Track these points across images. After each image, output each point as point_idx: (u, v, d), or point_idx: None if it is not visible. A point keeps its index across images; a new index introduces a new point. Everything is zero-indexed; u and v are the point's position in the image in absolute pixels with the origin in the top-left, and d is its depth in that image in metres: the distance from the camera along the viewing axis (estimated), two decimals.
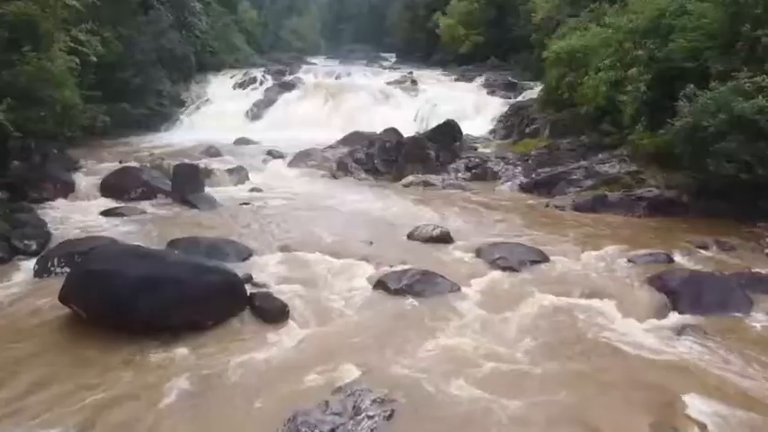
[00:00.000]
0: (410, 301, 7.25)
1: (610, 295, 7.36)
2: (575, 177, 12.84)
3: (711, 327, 6.55)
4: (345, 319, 6.80)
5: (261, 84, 27.21)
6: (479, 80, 26.59)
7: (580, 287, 7.59)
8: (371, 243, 9.37)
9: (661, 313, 6.97)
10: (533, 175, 13.69)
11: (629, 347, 6.01)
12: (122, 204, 11.64)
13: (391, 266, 8.28)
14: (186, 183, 12.42)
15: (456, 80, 27.53)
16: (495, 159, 15.44)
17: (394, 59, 46.35)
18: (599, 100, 14.38)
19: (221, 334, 6.38)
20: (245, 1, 40.42)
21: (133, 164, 14.25)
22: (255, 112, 24.76)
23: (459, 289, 7.55)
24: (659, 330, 6.52)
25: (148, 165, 13.71)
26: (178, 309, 6.19)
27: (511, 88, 24.80)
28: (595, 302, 7.19)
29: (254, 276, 7.88)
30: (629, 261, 8.57)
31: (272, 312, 6.77)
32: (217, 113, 24.80)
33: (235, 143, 19.83)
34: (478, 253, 8.78)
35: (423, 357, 5.85)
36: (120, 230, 9.97)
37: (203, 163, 16.01)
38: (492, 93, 24.50)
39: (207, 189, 12.98)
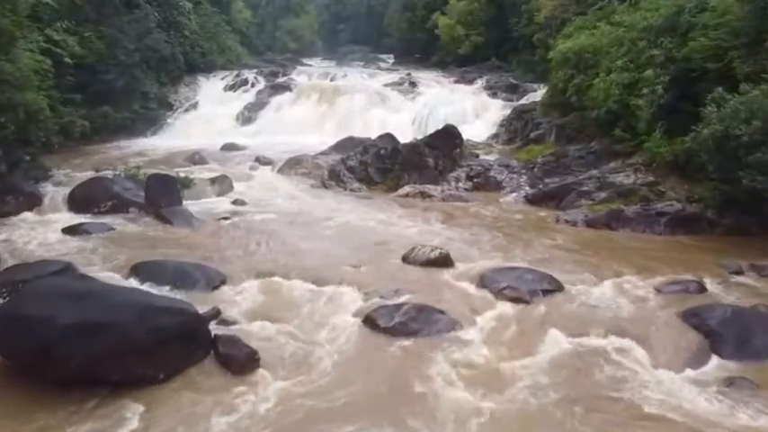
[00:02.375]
0: (404, 342, 6.17)
1: (637, 336, 6.28)
2: (586, 188, 11.75)
3: (765, 378, 5.45)
4: (326, 369, 5.70)
5: (253, 86, 26.07)
6: (480, 82, 25.46)
7: (602, 325, 6.51)
8: (361, 267, 8.28)
9: (700, 359, 5.90)
10: (540, 186, 12.61)
11: (673, 412, 4.93)
12: (89, 220, 10.53)
13: (382, 297, 7.20)
14: (161, 195, 11.31)
15: (456, 82, 26.36)
16: (499, 167, 14.35)
17: (392, 61, 45.23)
18: (610, 103, 13.30)
19: (175, 390, 5.30)
20: (239, 0, 39.30)
21: (107, 173, 13.14)
22: (246, 116, 23.62)
23: (461, 327, 6.48)
24: (703, 384, 5.44)
25: (122, 174, 12.60)
26: (119, 360, 5.10)
27: (513, 90, 23.71)
28: (621, 345, 6.12)
29: (222, 311, 6.81)
30: (656, 291, 7.49)
31: (239, 361, 5.68)
32: (206, 117, 23.69)
33: (222, 149, 18.74)
34: (482, 280, 7.68)
35: (417, 427, 4.75)
36: (81, 251, 8.87)
37: (186, 171, 14.95)
38: (493, 95, 23.38)
39: (186, 201, 11.90)
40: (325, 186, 14.03)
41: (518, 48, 28.60)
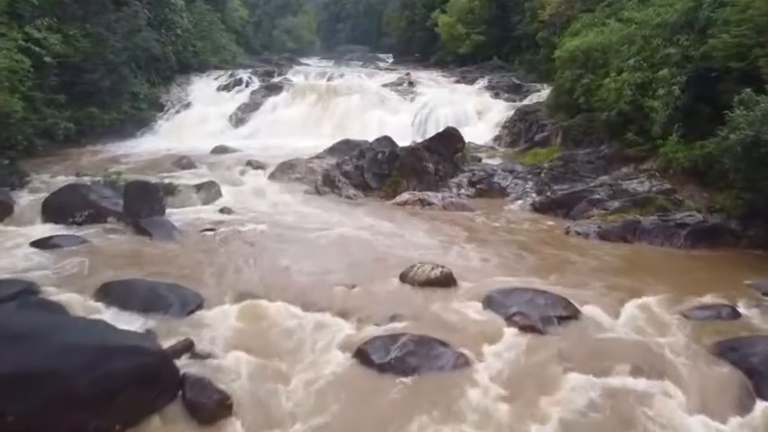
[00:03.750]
0: (401, 382, 5.36)
1: (668, 374, 5.48)
2: (598, 196, 10.95)
3: None
4: (307, 418, 4.88)
5: (247, 86, 25.29)
6: (481, 82, 24.68)
7: (627, 360, 5.69)
8: (354, 287, 7.47)
9: (744, 404, 5.10)
10: (548, 193, 11.81)
11: None
12: (61, 232, 9.72)
13: (377, 324, 6.40)
14: (140, 204, 10.49)
15: (456, 82, 25.60)
16: (503, 172, 13.54)
17: (391, 60, 44.44)
18: (622, 105, 12.50)
19: None
20: None
21: (85, 179, 12.33)
22: (240, 117, 22.83)
23: (466, 363, 5.67)
24: None
25: (101, 181, 11.78)
26: (65, 415, 4.28)
27: (516, 91, 22.93)
28: (651, 386, 5.30)
29: (196, 342, 6.00)
30: (684, 316, 6.68)
31: (209, 408, 4.88)
32: (198, 118, 22.91)
33: (212, 152, 17.95)
34: (489, 303, 6.88)
35: None
36: (48, 268, 8.06)
37: (172, 176, 14.17)
38: (495, 96, 22.60)
39: (169, 210, 11.13)
40: (318, 193, 13.24)
41: (520, 47, 27.79)
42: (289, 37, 53.36)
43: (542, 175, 13.24)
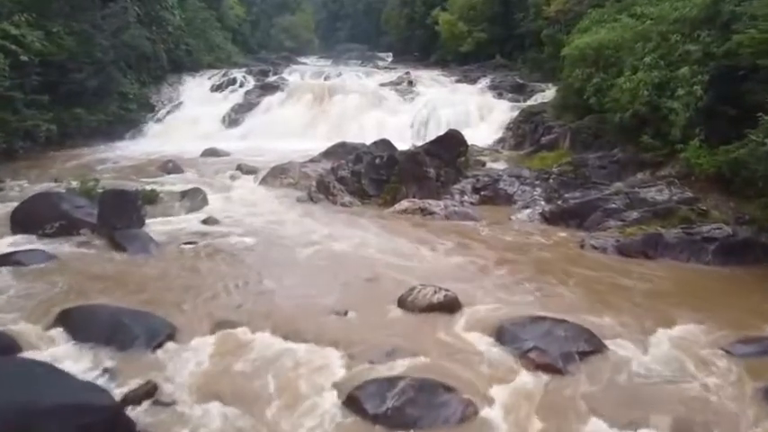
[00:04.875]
0: None
1: (716, 426, 4.61)
2: (614, 206, 10.08)
3: None
4: None
5: (241, 86, 24.48)
6: (483, 81, 23.83)
7: (663, 408, 4.85)
8: (346, 313, 6.62)
9: None
10: (559, 201, 10.93)
11: None
12: (29, 246, 8.85)
13: (372, 362, 5.55)
14: (116, 215, 9.62)
15: (457, 81, 24.74)
16: (509, 178, 12.66)
17: (390, 59, 43.58)
18: (637, 106, 11.64)
19: None
20: None
21: (60, 187, 11.47)
22: (233, 118, 21.99)
23: (474, 413, 4.81)
24: None
25: (76, 188, 10.92)
26: None
27: (520, 90, 22.11)
28: None
29: (160, 384, 5.16)
30: (725, 351, 5.82)
31: None
32: (190, 119, 22.08)
33: (202, 155, 17.10)
34: (501, 335, 6.02)
35: None
36: (5, 292, 7.18)
37: (156, 182, 13.35)
38: (498, 96, 21.78)
39: (150, 220, 10.29)
40: (312, 200, 12.36)
41: (524, 45, 26.97)
42: (287, 36, 52.51)
43: (551, 180, 12.39)
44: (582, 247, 9.13)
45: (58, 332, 6.15)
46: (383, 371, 5.36)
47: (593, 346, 5.80)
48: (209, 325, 6.36)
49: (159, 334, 6.07)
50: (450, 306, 6.64)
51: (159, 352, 5.80)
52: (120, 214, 9.70)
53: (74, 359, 5.67)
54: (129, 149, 18.69)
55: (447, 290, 6.80)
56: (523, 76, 24.23)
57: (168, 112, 22.43)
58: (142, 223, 10.02)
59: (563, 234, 9.93)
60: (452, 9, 32.12)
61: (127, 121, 20.75)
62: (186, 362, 5.64)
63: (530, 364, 5.49)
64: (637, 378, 5.38)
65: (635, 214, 9.59)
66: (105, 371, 5.44)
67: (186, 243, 9.25)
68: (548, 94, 20.53)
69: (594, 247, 8.97)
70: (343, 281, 7.64)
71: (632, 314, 6.66)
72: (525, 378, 5.33)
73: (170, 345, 5.95)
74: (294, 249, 8.91)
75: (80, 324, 6.23)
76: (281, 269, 8.07)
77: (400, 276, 7.64)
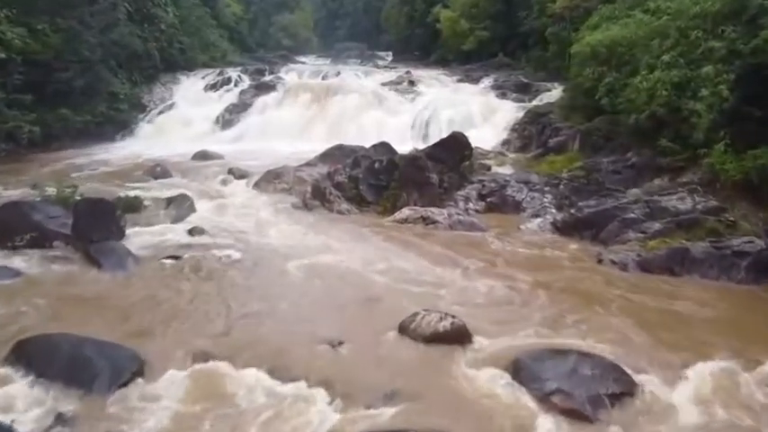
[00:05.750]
0: None
1: None
2: (632, 215, 9.30)
3: None
4: None
5: (236, 85, 23.65)
6: (486, 81, 23.00)
7: None
8: (341, 344, 5.85)
9: None
10: (572, 210, 10.16)
11: None
12: None
13: (368, 408, 4.79)
14: (93, 226, 8.85)
15: (459, 81, 23.90)
16: (517, 184, 11.89)
17: (390, 59, 42.78)
18: (655, 107, 10.86)
19: None
20: None
21: (37, 194, 10.68)
22: (227, 119, 21.17)
23: None
24: None
25: (52, 196, 10.13)
26: None
27: (524, 90, 21.28)
28: None
29: None
30: None
31: None
32: (183, 120, 21.32)
33: (193, 158, 16.30)
34: (517, 371, 5.25)
35: None
36: None
37: (141, 187, 12.58)
38: (502, 96, 20.94)
39: (131, 230, 9.55)
40: (307, 207, 11.59)
41: (528, 43, 26.17)
42: (285, 34, 51.71)
43: (561, 186, 11.62)
44: (600, 262, 8.36)
45: (12, 368, 5.39)
46: (381, 419, 4.60)
47: (623, 386, 5.03)
48: (186, 357, 5.60)
49: (125, 370, 5.31)
50: (457, 336, 5.87)
51: (123, 394, 5.04)
52: (97, 225, 8.93)
53: (26, 403, 4.95)
54: (118, 152, 17.91)
55: (454, 317, 6.02)
56: (528, 75, 23.42)
57: (160, 113, 21.63)
58: (122, 234, 9.27)
59: (578, 246, 9.17)
60: (454, 6, 31.31)
61: (117, 121, 19.97)
62: (154, 406, 4.88)
63: (552, 410, 4.73)
64: (675, 427, 4.60)
65: (656, 225, 8.80)
66: (59, 419, 4.70)
67: (168, 257, 8.47)
68: (554, 93, 19.72)
69: (614, 263, 8.20)
70: (338, 303, 6.88)
71: (664, 344, 5.90)
72: (547, 426, 4.56)
73: (138, 382, 5.21)
74: (285, 264, 8.13)
75: (37, 358, 5.47)
76: (269, 289, 7.32)
77: (401, 297, 6.89)
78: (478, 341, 5.87)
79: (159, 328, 6.27)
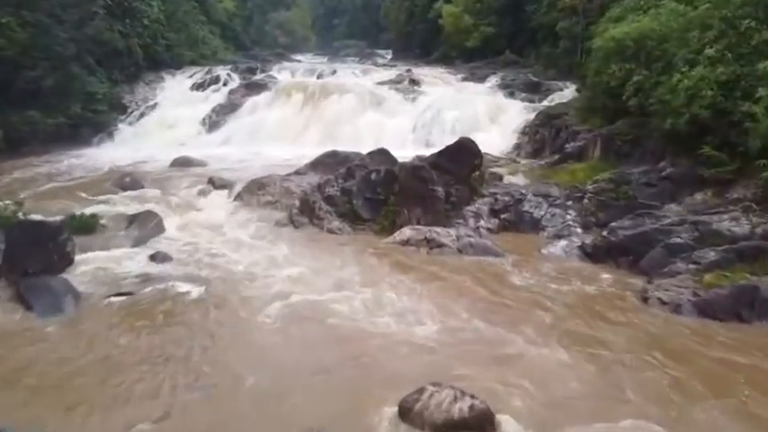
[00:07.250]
0: None
1: None
2: (678, 240, 7.76)
3: None
4: None
5: (225, 84, 22.11)
6: (493, 79, 21.50)
7: None
8: None
9: None
10: (604, 233, 8.59)
11: None
12: None
13: None
14: (29, 255, 7.37)
15: (464, 79, 22.40)
16: (534, 198, 10.34)
17: (390, 57, 41.21)
18: (697, 109, 9.29)
19: None
20: None
21: None
22: (214, 120, 19.65)
23: None
24: None
25: None
26: None
27: (534, 90, 19.81)
28: None
29: None
30: None
31: None
32: (166, 122, 19.81)
33: (172, 165, 14.76)
34: None
35: None
36: None
37: (105, 201, 11.07)
38: (510, 95, 19.47)
39: (82, 256, 8.05)
40: (294, 224, 10.08)
41: (536, 39, 24.67)
42: (281, 32, 50.13)
43: (586, 200, 10.09)
44: (645, 300, 6.81)
45: None
46: None
47: None
48: None
49: None
50: (478, 424, 4.32)
51: None
52: (34, 253, 7.44)
53: None
54: (92, 157, 16.38)
55: (473, 396, 4.47)
56: (537, 73, 21.92)
57: (142, 114, 20.12)
58: (68, 263, 7.77)
59: (613, 277, 7.64)
60: (457, 1, 29.72)
61: (94, 123, 18.46)
62: None
63: None
64: None
65: (711, 254, 7.26)
66: None
67: (118, 294, 6.99)
68: (566, 93, 18.28)
69: (663, 302, 6.66)
70: (320, 366, 5.33)
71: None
72: None
73: None
74: (259, 307, 6.59)
75: None
76: (234, 344, 5.77)
77: (402, 357, 5.36)
78: (506, 430, 4.32)
79: (83, 405, 4.74)
